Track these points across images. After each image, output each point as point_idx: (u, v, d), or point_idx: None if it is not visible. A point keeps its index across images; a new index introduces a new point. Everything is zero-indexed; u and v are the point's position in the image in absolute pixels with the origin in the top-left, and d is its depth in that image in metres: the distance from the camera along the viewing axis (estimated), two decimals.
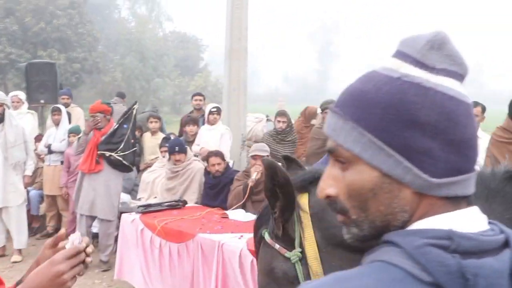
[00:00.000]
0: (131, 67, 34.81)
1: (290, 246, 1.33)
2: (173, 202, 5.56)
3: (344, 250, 1.24)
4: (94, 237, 6.44)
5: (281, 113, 6.93)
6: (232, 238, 4.40)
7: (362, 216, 0.87)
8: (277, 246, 1.36)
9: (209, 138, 6.98)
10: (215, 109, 7.08)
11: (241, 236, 4.44)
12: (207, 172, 6.08)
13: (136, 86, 34.10)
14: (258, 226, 1.48)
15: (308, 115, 8.10)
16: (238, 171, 6.07)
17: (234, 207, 5.32)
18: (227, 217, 5.08)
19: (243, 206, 5.33)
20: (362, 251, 1.22)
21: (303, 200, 1.33)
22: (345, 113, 0.86)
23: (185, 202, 5.58)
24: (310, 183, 1.35)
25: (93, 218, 6.19)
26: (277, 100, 13.48)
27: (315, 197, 1.29)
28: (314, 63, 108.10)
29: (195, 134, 7.21)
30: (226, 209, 5.43)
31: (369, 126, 0.82)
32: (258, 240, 1.45)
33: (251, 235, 4.78)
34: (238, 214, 5.14)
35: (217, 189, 5.90)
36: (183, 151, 6.23)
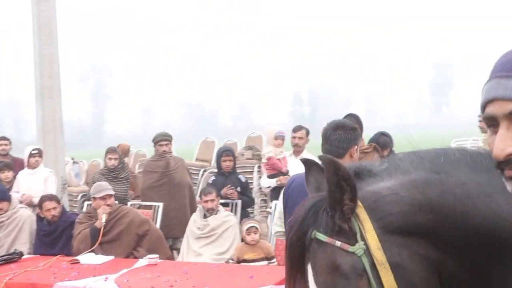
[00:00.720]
0: None
1: (351, 240, 1.35)
2: (8, 256, 4.96)
3: (399, 236, 1.34)
4: None
5: (112, 150, 6.71)
6: (98, 281, 4.13)
7: None
8: (338, 243, 1.35)
9: (30, 183, 6.41)
10: (36, 152, 6.54)
11: (106, 278, 4.19)
12: (39, 219, 5.57)
13: None
14: (304, 230, 1.41)
15: (122, 153, 7.97)
16: (76, 214, 5.69)
17: (84, 252, 4.96)
18: (79, 262, 4.73)
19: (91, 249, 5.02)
20: (415, 234, 1.33)
21: None
22: None
23: (21, 254, 5.02)
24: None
25: None
26: None
27: (361, 191, 1.36)
28: (88, 106, 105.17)
29: (12, 181, 6.55)
30: (69, 255, 5.05)
31: None
32: (309, 242, 1.40)
33: (116, 275, 4.56)
34: (89, 258, 4.82)
35: (55, 236, 5.44)
36: (6, 198, 5.64)
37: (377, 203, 1.36)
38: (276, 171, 6.43)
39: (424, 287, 1.36)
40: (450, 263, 1.36)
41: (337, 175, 1.32)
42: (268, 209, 6.45)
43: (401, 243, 1.34)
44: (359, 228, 1.35)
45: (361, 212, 1.35)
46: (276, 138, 6.84)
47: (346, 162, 2.95)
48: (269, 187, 6.45)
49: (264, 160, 6.65)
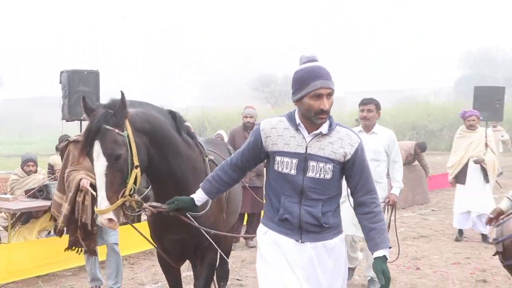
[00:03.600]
0: None
1: (122, 130, 3.05)
2: None
3: (138, 132, 3.13)
4: None
5: None
6: None
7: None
8: (117, 130, 3.03)
9: None
10: None
11: None
12: None
13: None
14: (99, 124, 3.00)
15: None
16: None
17: None
18: None
19: None
20: (143, 132, 3.21)
21: None
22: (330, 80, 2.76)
23: None
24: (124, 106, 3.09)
25: None
26: None
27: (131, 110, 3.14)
28: None
29: None
30: None
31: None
32: (101, 128, 3.00)
33: None
34: None
35: None
36: None
37: (132, 117, 3.14)
38: None
39: (143, 154, 3.13)
40: (152, 147, 3.25)
41: (124, 102, 3.07)
42: None
43: (138, 135, 3.15)
44: (125, 126, 3.08)
45: (127, 120, 3.10)
46: None
47: None
48: None
49: None
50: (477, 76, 47.30)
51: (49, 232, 7.13)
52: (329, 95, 2.74)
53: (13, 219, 7.07)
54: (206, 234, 3.49)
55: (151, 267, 6.79)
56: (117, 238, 5.35)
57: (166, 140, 3.35)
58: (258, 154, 2.97)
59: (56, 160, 8.53)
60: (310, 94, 2.72)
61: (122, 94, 3.06)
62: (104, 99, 9.58)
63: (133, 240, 5.22)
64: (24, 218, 6.97)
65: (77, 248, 5.09)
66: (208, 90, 70.10)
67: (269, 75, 51.65)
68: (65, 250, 5.12)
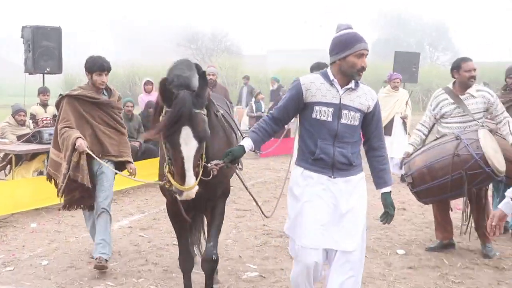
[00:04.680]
0: None
1: (204, 110, 3.26)
2: None
3: (208, 111, 3.43)
4: None
5: None
6: None
7: None
8: (203, 112, 3.23)
9: None
10: None
11: None
12: None
13: None
14: (189, 108, 3.11)
15: None
16: None
17: None
18: None
19: None
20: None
21: None
22: None
23: None
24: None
25: None
26: None
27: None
28: None
29: None
30: None
31: None
32: (192, 113, 3.11)
33: None
34: None
35: None
36: None
37: (211, 102, 3.64)
38: None
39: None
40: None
41: (206, 82, 3.29)
42: None
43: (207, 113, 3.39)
44: (207, 109, 3.41)
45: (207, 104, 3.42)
46: None
47: None
48: None
49: None
50: (393, 40, 49.75)
51: (41, 172, 8.03)
52: (366, 55, 3.32)
53: (5, 161, 7.92)
54: (242, 182, 4.08)
55: (133, 202, 7.96)
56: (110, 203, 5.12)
57: (207, 105, 3.50)
58: (298, 105, 3.42)
59: (37, 110, 9.19)
60: (355, 53, 3.25)
61: (204, 72, 3.23)
62: (65, 54, 10.50)
63: None
64: (21, 160, 7.81)
65: (72, 208, 5.03)
66: (130, 45, 68.81)
67: (196, 32, 51.89)
68: (59, 210, 5.40)
